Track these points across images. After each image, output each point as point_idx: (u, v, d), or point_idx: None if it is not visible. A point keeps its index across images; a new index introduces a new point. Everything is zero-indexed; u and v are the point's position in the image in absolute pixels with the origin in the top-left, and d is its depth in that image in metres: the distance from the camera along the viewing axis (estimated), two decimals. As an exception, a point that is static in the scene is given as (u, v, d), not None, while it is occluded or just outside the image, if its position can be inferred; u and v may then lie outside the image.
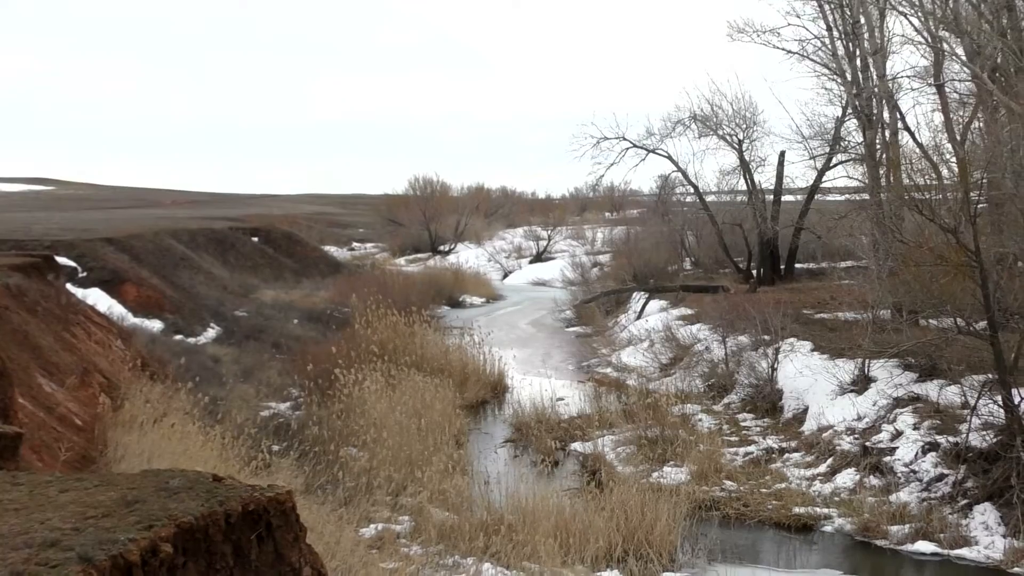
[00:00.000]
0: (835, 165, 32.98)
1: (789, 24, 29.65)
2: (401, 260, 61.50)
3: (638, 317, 31.45)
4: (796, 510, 14.43)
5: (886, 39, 26.58)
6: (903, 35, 26.81)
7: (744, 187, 36.37)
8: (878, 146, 26.76)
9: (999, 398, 14.17)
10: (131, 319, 23.46)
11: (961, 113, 24.93)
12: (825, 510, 14.37)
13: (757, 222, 34.76)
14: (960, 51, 23.39)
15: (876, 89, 26.57)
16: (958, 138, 23.06)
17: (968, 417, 14.77)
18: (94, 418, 13.30)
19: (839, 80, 28.66)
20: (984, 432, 14.41)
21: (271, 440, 15.23)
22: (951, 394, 16.24)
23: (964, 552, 12.72)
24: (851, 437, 16.41)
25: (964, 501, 13.67)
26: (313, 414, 17.29)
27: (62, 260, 23.84)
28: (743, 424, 19.23)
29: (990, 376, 14.95)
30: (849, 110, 29.71)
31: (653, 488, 14.34)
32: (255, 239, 45.65)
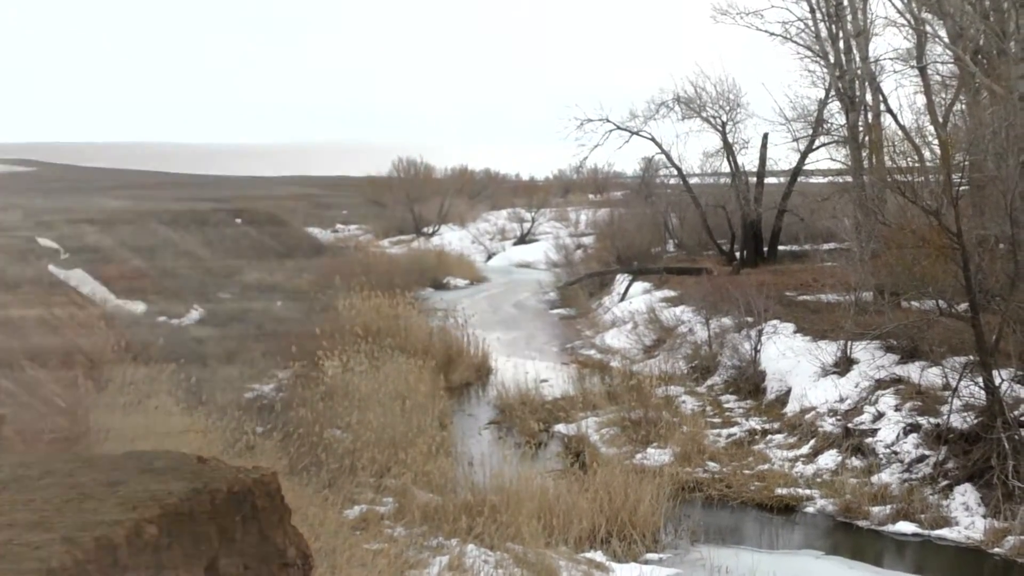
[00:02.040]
0: (818, 147, 32.96)
1: (772, 6, 29.57)
2: (385, 242, 61.16)
3: (621, 299, 31.46)
4: (778, 491, 14.52)
5: (869, 21, 26.62)
6: (886, 17, 26.76)
7: (727, 169, 36.32)
8: (861, 128, 26.80)
9: (980, 379, 14.25)
10: (114, 301, 23.34)
11: (943, 95, 25.02)
12: (807, 491, 14.45)
13: (740, 204, 34.74)
14: (943, 33, 23.44)
15: (859, 71, 26.62)
16: (940, 120, 23.15)
17: (949, 398, 14.87)
18: (77, 400, 13.24)
19: (822, 62, 28.66)
20: (965, 413, 14.51)
21: (255, 422, 15.19)
22: (933, 376, 16.31)
23: (944, 532, 12.85)
24: (833, 418, 16.49)
25: (945, 482, 13.78)
26: (296, 396, 17.23)
27: (44, 241, 23.69)
28: (726, 406, 19.30)
29: (971, 358, 15.04)
30: (832, 92, 29.68)
31: (636, 469, 14.41)
32: (238, 221, 45.38)
